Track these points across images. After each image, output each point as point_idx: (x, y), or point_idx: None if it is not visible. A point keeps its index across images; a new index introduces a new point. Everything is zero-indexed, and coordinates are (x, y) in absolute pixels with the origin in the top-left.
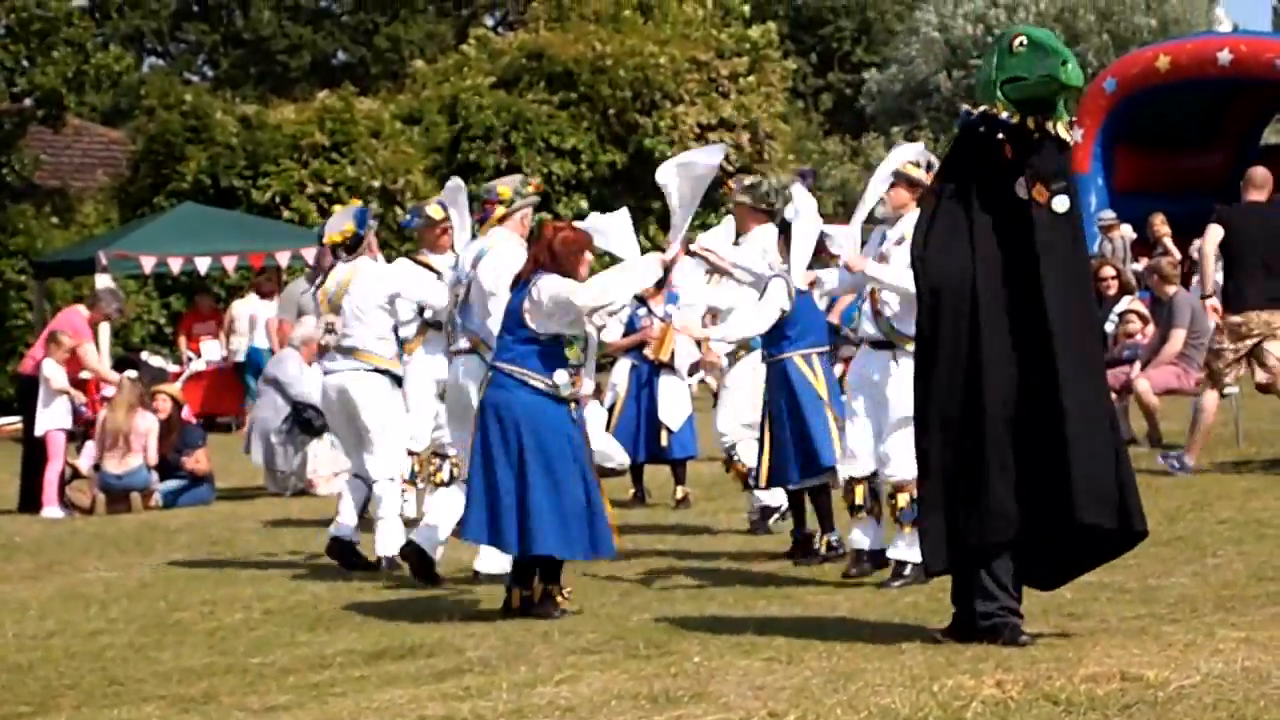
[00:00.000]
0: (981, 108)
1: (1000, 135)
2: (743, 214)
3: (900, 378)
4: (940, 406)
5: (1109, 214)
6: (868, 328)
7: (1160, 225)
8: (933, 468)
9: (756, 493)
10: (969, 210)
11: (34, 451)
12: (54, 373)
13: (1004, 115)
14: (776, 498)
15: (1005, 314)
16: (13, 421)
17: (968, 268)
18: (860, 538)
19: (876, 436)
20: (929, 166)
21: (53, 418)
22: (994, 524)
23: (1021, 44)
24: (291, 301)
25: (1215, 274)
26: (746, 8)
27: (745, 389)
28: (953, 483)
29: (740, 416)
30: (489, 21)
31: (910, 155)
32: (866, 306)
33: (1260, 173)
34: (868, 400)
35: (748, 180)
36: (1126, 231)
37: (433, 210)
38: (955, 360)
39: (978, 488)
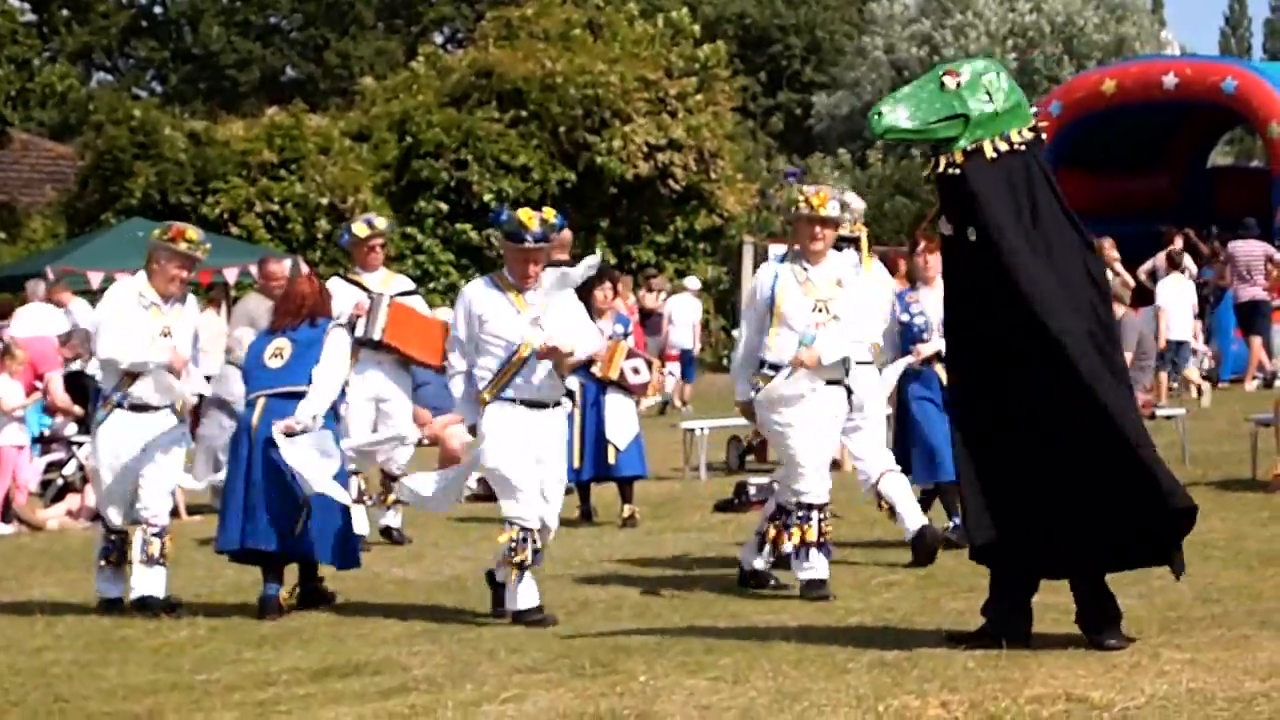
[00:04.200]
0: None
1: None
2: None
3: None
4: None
5: None
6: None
7: (1109, 249)
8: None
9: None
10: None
11: None
12: (6, 391)
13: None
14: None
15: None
16: None
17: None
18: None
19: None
20: (843, 206)
21: (6, 434)
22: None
23: None
24: (244, 315)
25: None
26: (696, 27)
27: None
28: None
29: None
30: (438, 39)
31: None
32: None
33: None
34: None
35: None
36: None
37: (358, 228)
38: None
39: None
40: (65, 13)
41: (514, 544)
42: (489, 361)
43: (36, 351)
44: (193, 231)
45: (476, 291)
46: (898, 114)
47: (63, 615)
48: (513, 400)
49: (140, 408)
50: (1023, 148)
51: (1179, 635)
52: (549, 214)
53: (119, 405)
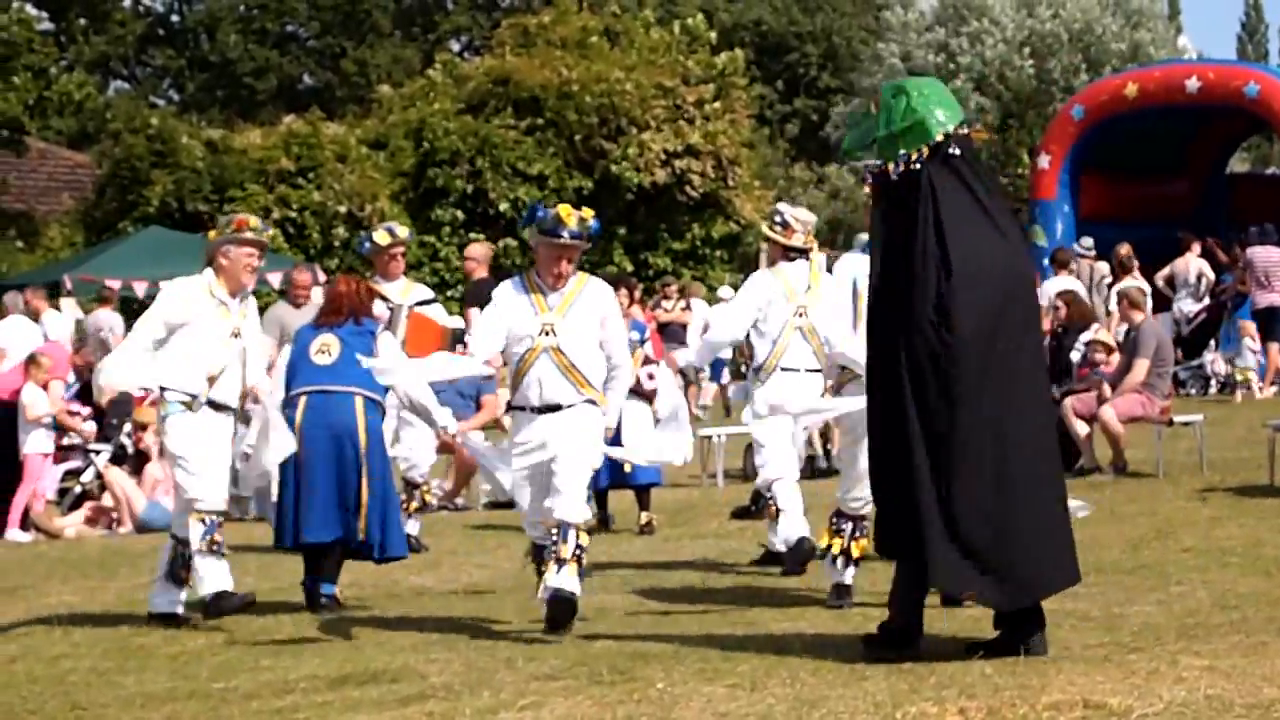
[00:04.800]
0: None
1: None
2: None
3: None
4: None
5: (1088, 241)
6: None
7: (1126, 254)
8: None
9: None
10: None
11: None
12: (33, 399)
13: None
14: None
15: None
16: None
17: None
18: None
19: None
20: (784, 224)
21: (33, 441)
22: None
23: None
24: (274, 323)
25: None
26: (713, 34)
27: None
28: None
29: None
30: (455, 46)
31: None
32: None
33: None
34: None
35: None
36: (1104, 269)
37: (379, 236)
38: None
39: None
40: (83, 21)
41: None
42: (510, 367)
43: (51, 353)
44: (254, 219)
45: (505, 290)
46: (847, 138)
47: (80, 623)
48: (523, 409)
49: (217, 406)
50: (917, 166)
51: (1197, 642)
52: (588, 214)
53: (187, 405)
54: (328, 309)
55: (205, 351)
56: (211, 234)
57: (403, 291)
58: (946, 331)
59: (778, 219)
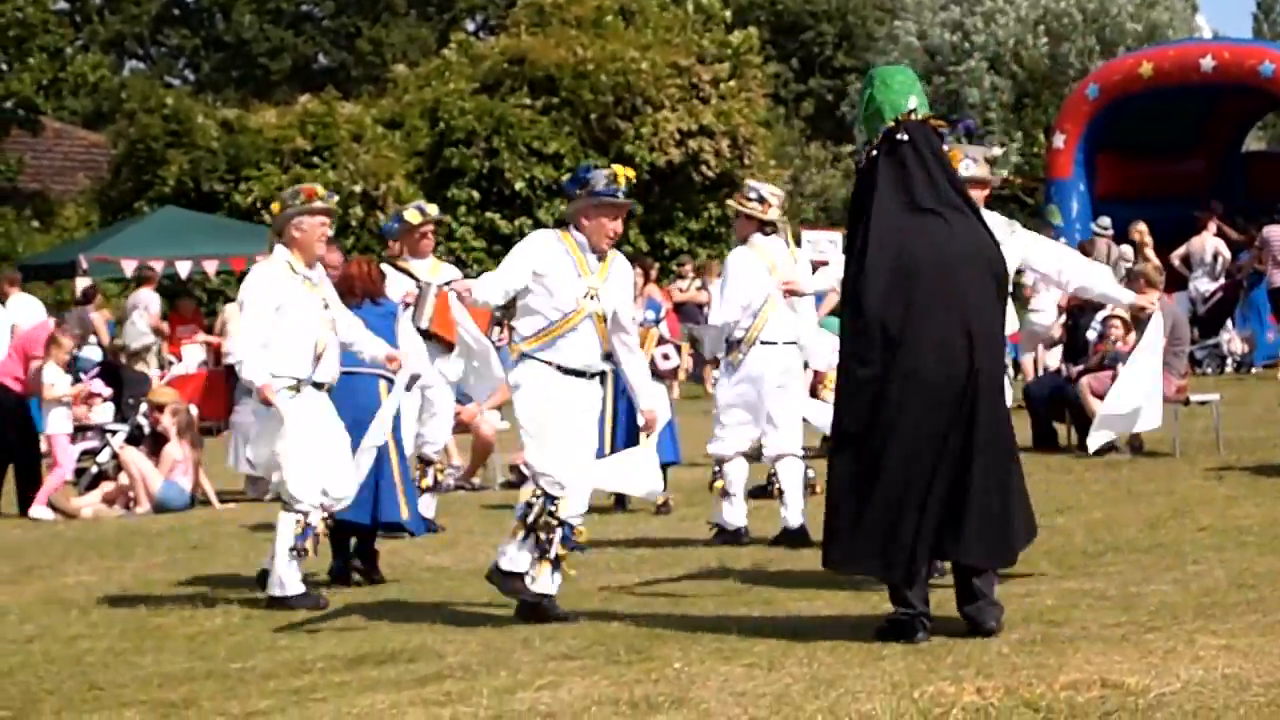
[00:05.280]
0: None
1: None
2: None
3: None
4: None
5: (1105, 221)
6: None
7: (1141, 233)
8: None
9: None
10: None
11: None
12: (55, 378)
13: None
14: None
15: None
16: None
17: None
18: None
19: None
20: (760, 199)
21: (55, 422)
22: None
23: None
24: None
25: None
26: (728, 13)
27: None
28: None
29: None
30: (470, 26)
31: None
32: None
33: None
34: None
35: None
36: (1127, 252)
37: (410, 215)
38: None
39: None
40: (98, 1)
41: (531, 503)
42: (533, 320)
43: (30, 339)
44: (320, 188)
45: (544, 244)
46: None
47: (98, 603)
48: (549, 363)
49: (320, 385)
50: (873, 154)
51: (1214, 621)
52: (632, 174)
53: (294, 389)
54: (342, 292)
55: (307, 330)
56: (275, 207)
57: (431, 270)
58: (856, 314)
59: (753, 195)
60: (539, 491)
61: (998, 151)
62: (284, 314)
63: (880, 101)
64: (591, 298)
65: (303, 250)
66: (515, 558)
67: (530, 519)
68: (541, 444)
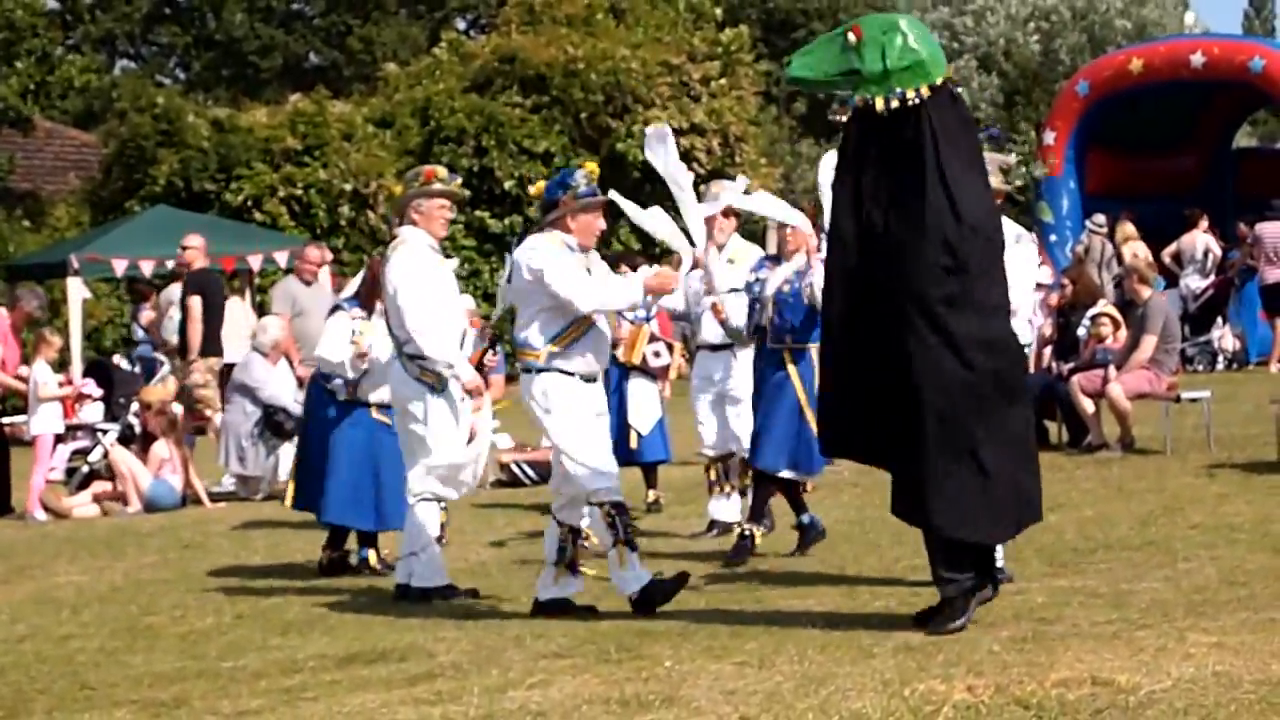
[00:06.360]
0: None
1: None
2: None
3: (740, 372)
4: None
5: (1100, 219)
6: (709, 334)
7: (1129, 229)
8: None
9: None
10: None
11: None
12: (44, 376)
13: None
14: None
15: None
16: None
17: None
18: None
19: (722, 424)
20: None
21: (43, 421)
22: None
23: None
24: (286, 298)
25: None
26: (718, 11)
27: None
28: None
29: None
30: (461, 24)
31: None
32: (709, 314)
33: None
34: (713, 395)
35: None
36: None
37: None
38: None
39: None
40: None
41: (610, 520)
42: (550, 325)
43: None
44: (441, 170)
45: (557, 250)
46: (805, 64)
47: (89, 603)
48: (571, 374)
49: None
50: (915, 102)
51: (1205, 618)
52: (597, 170)
53: (424, 383)
54: (368, 292)
55: (453, 310)
56: (397, 190)
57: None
58: (963, 274)
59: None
60: (610, 510)
61: (1013, 160)
62: (437, 295)
63: (923, 53)
64: None
65: (430, 227)
66: (629, 579)
67: (622, 533)
68: (593, 467)
